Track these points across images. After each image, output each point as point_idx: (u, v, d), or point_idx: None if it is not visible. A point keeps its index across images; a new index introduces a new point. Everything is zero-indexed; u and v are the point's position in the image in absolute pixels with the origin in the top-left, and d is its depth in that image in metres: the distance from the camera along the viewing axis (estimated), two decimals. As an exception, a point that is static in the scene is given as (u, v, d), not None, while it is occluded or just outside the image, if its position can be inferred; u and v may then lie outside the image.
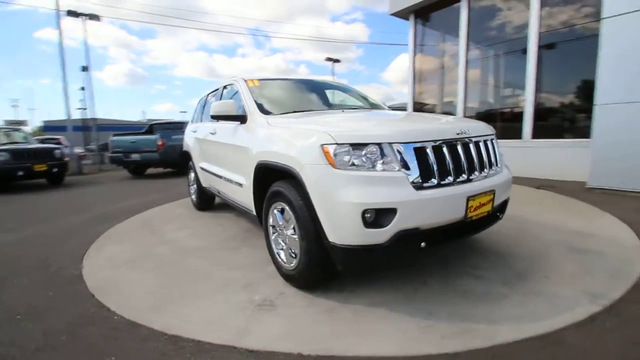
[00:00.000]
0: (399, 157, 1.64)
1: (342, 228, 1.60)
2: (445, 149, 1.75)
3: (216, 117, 2.66)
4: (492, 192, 1.88)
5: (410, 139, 1.68)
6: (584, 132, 4.75)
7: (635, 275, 1.99)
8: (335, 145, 1.63)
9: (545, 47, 5.31)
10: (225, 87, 3.33)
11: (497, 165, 2.07)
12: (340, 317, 1.68)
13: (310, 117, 2.38)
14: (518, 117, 5.62)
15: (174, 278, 2.26)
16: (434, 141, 1.73)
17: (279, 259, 2.09)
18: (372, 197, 1.57)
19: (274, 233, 2.15)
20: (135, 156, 8.30)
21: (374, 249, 1.60)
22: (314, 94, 3.10)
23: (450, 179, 1.73)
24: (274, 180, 2.09)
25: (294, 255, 1.94)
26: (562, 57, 5.39)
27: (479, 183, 1.84)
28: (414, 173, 1.64)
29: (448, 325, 1.57)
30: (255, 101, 2.58)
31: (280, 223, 2.04)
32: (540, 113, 5.47)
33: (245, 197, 2.55)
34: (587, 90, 4.93)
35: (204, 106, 3.95)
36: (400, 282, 1.99)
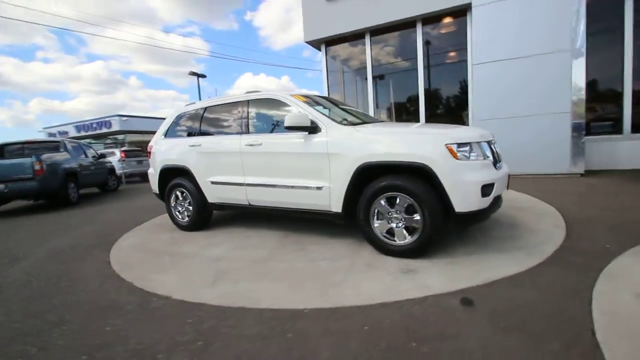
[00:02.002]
0: (483, 150, 2.52)
1: (468, 200, 2.34)
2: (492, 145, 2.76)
3: (290, 128, 2.85)
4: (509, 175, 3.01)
5: (483, 139, 2.60)
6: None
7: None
8: (456, 144, 2.38)
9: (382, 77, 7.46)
10: (250, 101, 3.42)
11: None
12: (460, 266, 2.38)
13: (386, 127, 2.98)
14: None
15: (313, 279, 2.38)
16: (489, 141, 2.70)
17: (387, 239, 2.60)
18: (483, 177, 2.39)
19: (380, 220, 2.63)
20: (-4, 187, 6.02)
21: (484, 211, 2.42)
22: (337, 108, 3.65)
23: (500, 164, 2.75)
24: (374, 178, 2.60)
25: (412, 232, 2.51)
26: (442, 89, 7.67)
27: (505, 168, 2.93)
28: (491, 160, 2.56)
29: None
30: (324, 114, 2.96)
31: (390, 209, 2.56)
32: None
33: (323, 199, 2.86)
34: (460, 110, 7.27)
35: (202, 119, 3.77)
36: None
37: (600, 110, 6.30)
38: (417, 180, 2.46)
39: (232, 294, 2.22)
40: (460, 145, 2.40)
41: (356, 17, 7.53)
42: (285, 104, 3.18)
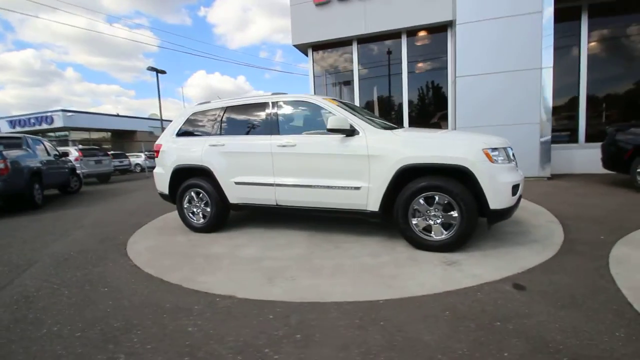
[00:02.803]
0: (508, 154, 2.85)
1: (501, 198, 2.64)
2: (510, 150, 3.12)
3: (333, 131, 2.96)
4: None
5: (508, 145, 2.93)
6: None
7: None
8: (490, 149, 2.67)
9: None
10: (278, 102, 3.46)
11: None
12: (494, 257, 2.67)
13: (419, 132, 3.21)
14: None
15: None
16: (510, 147, 3.05)
17: (424, 235, 2.82)
18: (512, 178, 2.70)
19: (417, 217, 2.84)
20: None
21: (511, 209, 2.74)
22: (359, 112, 3.81)
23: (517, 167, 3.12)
24: (412, 179, 2.82)
25: (448, 227, 2.76)
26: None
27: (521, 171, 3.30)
28: (514, 163, 2.90)
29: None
30: (360, 117, 3.11)
31: (428, 208, 2.79)
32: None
33: (361, 198, 3.01)
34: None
35: (222, 118, 3.71)
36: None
37: (561, 122, 7.22)
38: (453, 180, 2.72)
39: (296, 290, 2.27)
40: (493, 149, 2.70)
41: (344, 25, 7.79)
42: (319, 107, 3.29)
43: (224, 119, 3.73)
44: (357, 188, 3.02)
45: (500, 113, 6.50)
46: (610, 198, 4.64)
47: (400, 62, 7.79)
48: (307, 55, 8.58)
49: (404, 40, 7.70)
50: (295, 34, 8.22)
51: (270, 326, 1.83)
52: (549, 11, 6.02)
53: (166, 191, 3.99)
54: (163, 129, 5.83)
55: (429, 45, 7.84)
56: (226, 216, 3.83)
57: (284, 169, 3.29)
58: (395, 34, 7.73)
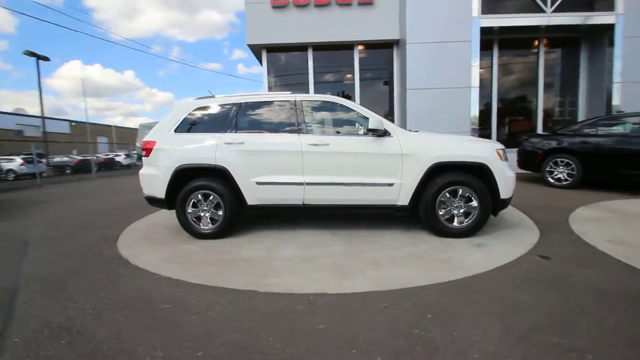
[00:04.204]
0: (505, 154, 3.50)
1: (508, 189, 3.24)
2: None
3: (372, 131, 3.14)
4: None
5: (503, 146, 3.60)
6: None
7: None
8: (502, 150, 3.26)
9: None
10: (303, 101, 3.46)
11: None
12: (505, 238, 3.26)
13: (435, 134, 3.61)
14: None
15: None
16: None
17: (448, 223, 3.24)
18: (513, 173, 3.34)
19: (442, 208, 3.24)
20: None
21: (511, 197, 3.38)
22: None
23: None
24: (438, 175, 3.22)
25: (467, 216, 3.23)
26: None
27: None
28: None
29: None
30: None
31: (453, 200, 3.22)
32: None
33: (393, 194, 3.27)
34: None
35: (237, 115, 3.48)
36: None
37: (480, 131, 8.84)
38: (471, 175, 3.22)
39: (378, 280, 2.37)
40: (502, 150, 3.31)
41: (301, 31, 7.97)
42: (348, 108, 3.42)
43: (239, 115, 3.50)
44: (391, 184, 3.26)
45: (441, 122, 7.62)
46: (533, 191, 5.96)
47: (353, 72, 8.37)
48: (259, 56, 8.42)
49: (356, 52, 8.31)
50: (250, 34, 7.99)
51: (398, 313, 1.92)
52: (476, 41, 7.40)
53: (161, 195, 3.50)
54: (39, 126, 4.96)
55: (378, 59, 8.64)
56: (238, 220, 3.59)
57: (315, 168, 3.31)
58: (348, 45, 8.28)
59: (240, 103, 3.54)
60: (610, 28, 7.38)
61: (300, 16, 7.93)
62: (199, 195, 3.44)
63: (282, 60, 8.73)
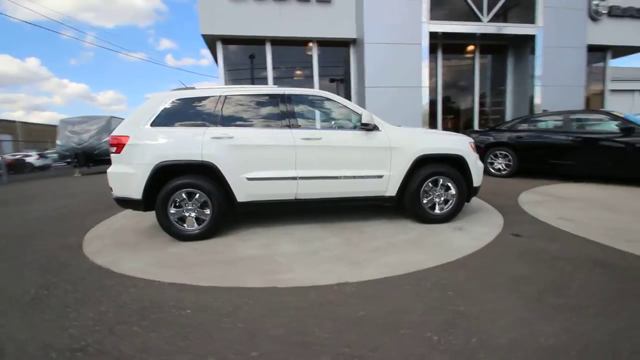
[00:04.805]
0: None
1: (479, 178, 3.63)
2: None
3: (364, 125, 3.23)
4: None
5: (472, 140, 3.98)
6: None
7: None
8: (472, 142, 3.62)
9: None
10: (291, 95, 3.42)
11: None
12: (478, 222, 3.65)
13: (420, 130, 3.84)
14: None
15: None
16: (464, 141, 4.14)
17: (430, 211, 3.51)
18: (481, 163, 3.75)
19: (425, 197, 3.49)
20: None
21: (480, 185, 3.79)
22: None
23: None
24: (423, 166, 3.47)
25: (446, 203, 3.54)
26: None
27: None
28: (473, 153, 3.99)
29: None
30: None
31: (435, 189, 3.50)
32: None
33: (382, 185, 3.43)
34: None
35: (222, 108, 3.30)
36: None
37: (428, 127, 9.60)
38: (449, 166, 3.53)
39: (391, 266, 2.49)
40: (473, 143, 3.68)
41: (258, 23, 7.75)
42: (336, 103, 3.48)
43: (224, 108, 3.32)
44: (380, 176, 3.42)
45: (397, 118, 8.03)
46: (478, 180, 6.70)
47: (312, 68, 8.43)
48: (213, 48, 7.98)
49: (314, 49, 8.37)
50: (203, 24, 7.52)
51: (422, 292, 2.06)
52: (425, 44, 8.01)
53: (137, 195, 3.16)
54: None
55: (335, 56, 8.81)
56: (221, 221, 3.41)
57: (308, 162, 3.30)
58: (307, 41, 8.30)
59: (225, 95, 3.36)
60: (532, 38, 8.60)
61: (258, 8, 7.71)
62: (183, 194, 3.20)
63: (239, 53, 8.40)
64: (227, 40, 8.00)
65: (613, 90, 10.64)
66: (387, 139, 3.40)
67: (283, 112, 3.38)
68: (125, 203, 3.29)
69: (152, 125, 3.23)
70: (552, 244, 2.85)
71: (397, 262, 2.58)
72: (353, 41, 8.44)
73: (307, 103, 3.56)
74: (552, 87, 8.60)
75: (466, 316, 1.77)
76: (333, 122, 3.57)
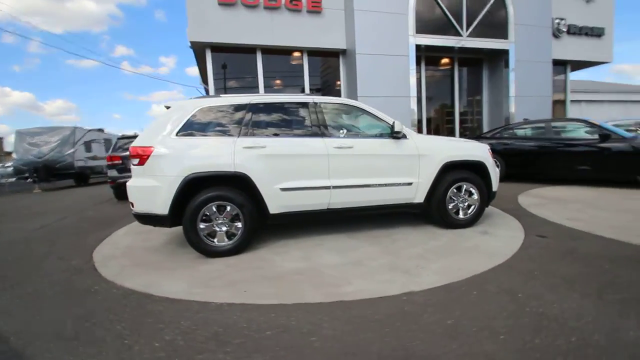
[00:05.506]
0: (486, 153, 4.09)
1: (496, 183, 3.80)
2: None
3: (395, 133, 3.27)
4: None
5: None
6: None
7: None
8: (491, 149, 3.79)
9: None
10: (321, 104, 3.39)
11: None
12: (499, 224, 3.80)
13: (433, 136, 3.94)
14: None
15: None
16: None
17: (455, 216, 3.61)
18: (497, 169, 3.93)
19: (450, 203, 3.59)
20: None
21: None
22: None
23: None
24: (448, 173, 3.57)
25: (469, 208, 3.66)
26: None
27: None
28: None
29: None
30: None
31: (459, 195, 3.61)
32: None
33: (411, 192, 3.48)
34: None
35: (251, 117, 3.18)
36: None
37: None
38: (471, 172, 3.68)
39: (443, 273, 2.50)
40: (490, 150, 3.86)
41: (250, 31, 7.64)
42: (365, 111, 3.50)
43: (252, 117, 3.21)
44: (410, 184, 3.47)
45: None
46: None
47: (303, 77, 8.44)
48: (201, 55, 7.74)
49: (305, 58, 8.40)
50: (192, 31, 7.28)
51: (493, 296, 2.09)
52: (412, 55, 8.34)
53: (163, 210, 2.94)
54: None
55: (326, 66, 8.89)
56: (256, 232, 3.27)
57: (341, 171, 3.27)
58: (298, 51, 8.31)
59: (252, 104, 3.26)
60: (505, 53, 9.27)
61: (249, 16, 7.61)
62: (213, 208, 3.02)
63: (229, 61, 8.21)
64: (216, 48, 7.80)
65: (560, 101, 11.69)
66: (415, 146, 3.47)
67: (313, 121, 3.33)
68: (148, 219, 3.05)
69: (177, 135, 3.04)
70: (578, 243, 3.03)
71: (447, 268, 2.61)
72: (342, 52, 8.59)
73: (336, 111, 3.55)
74: (524, 98, 9.31)
75: (549, 317, 1.82)
76: (361, 131, 3.58)
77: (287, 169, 3.17)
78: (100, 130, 16.57)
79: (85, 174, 14.06)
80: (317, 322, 1.89)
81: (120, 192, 7.41)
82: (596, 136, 5.86)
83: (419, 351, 1.59)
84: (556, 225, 3.64)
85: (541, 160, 6.47)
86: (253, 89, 8.15)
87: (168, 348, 1.71)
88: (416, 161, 3.47)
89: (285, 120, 3.35)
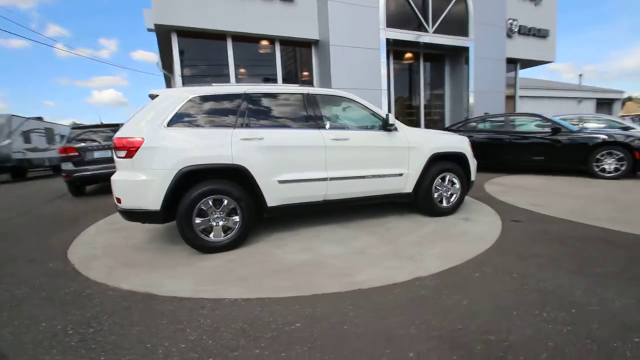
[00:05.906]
0: (462, 146, 4.36)
1: (474, 173, 4.09)
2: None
3: (388, 125, 3.36)
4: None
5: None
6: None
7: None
8: (470, 141, 4.05)
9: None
10: (315, 95, 3.36)
11: None
12: (478, 211, 4.10)
13: (419, 129, 4.08)
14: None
15: None
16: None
17: (440, 204, 3.83)
18: (475, 160, 4.23)
19: (436, 192, 3.80)
20: None
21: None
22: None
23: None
24: (434, 164, 3.76)
25: (451, 197, 3.90)
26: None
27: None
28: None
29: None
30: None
31: (443, 184, 3.83)
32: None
33: (401, 183, 3.62)
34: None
35: (247, 107, 3.07)
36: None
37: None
38: (453, 163, 3.91)
39: (442, 257, 2.67)
40: (469, 141, 4.12)
41: (220, 17, 7.26)
42: (358, 103, 3.54)
43: (248, 107, 3.09)
44: (400, 174, 3.60)
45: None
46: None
47: (275, 67, 8.24)
48: (166, 40, 7.20)
49: (277, 47, 8.20)
50: (157, 12, 6.73)
51: (494, 277, 2.28)
52: (383, 49, 8.52)
53: (154, 206, 2.76)
54: None
55: (298, 56, 8.75)
56: (254, 226, 3.20)
57: (337, 163, 3.30)
58: (270, 39, 8.07)
59: (248, 94, 3.14)
60: (466, 50, 9.83)
61: (219, 1, 7.21)
62: (210, 202, 2.90)
63: (197, 47, 7.74)
64: (183, 33, 7.29)
65: (510, 97, 12.78)
66: (406, 138, 3.60)
67: (309, 112, 3.31)
68: (137, 216, 2.84)
69: (168, 125, 2.85)
70: (549, 225, 3.38)
71: (445, 253, 2.78)
72: (315, 42, 8.51)
73: (330, 103, 3.55)
74: (481, 93, 10.01)
75: (547, 292, 2.04)
76: (354, 123, 3.62)
77: (285, 161, 3.12)
78: (39, 118, 14.86)
79: (23, 167, 12.56)
80: (343, 311, 1.93)
81: (77, 187, 6.77)
82: (548, 129, 6.52)
83: (449, 331, 1.70)
84: (524, 210, 4.02)
85: (501, 151, 7.05)
86: (223, 77, 7.80)
87: (197, 348, 1.64)
88: (406, 153, 3.61)
89: (281, 112, 3.28)
